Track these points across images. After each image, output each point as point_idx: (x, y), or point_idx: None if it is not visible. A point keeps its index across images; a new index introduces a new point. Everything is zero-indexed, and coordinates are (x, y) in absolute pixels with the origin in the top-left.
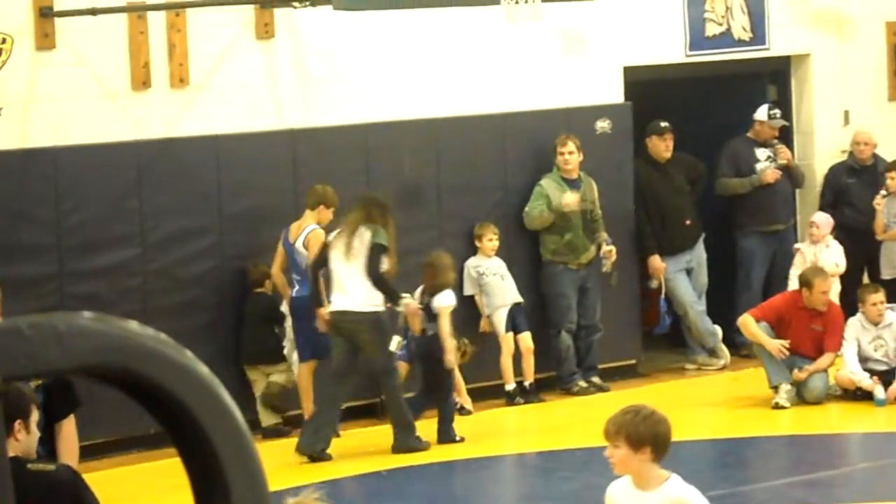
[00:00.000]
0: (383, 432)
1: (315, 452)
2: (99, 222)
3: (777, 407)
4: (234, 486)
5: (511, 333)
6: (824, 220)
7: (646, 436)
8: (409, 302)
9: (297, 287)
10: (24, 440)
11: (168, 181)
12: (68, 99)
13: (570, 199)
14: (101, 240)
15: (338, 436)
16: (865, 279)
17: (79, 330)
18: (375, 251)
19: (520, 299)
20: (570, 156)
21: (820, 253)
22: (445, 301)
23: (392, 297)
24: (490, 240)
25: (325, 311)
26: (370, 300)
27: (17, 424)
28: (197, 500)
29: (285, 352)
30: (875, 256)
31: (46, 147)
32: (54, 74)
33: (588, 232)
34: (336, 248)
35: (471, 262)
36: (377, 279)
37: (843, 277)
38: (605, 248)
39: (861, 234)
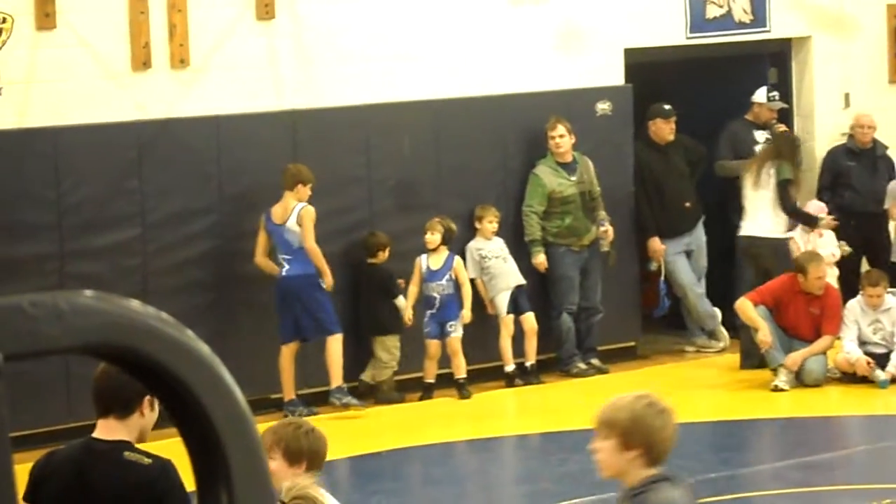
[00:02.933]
0: (380, 412)
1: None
2: (99, 202)
3: (776, 389)
4: (233, 465)
5: (512, 315)
6: (818, 209)
7: (304, 450)
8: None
9: (286, 267)
10: (148, 416)
11: (168, 161)
12: (69, 79)
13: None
14: (101, 220)
15: None
16: (864, 262)
17: (81, 308)
18: (782, 187)
19: (522, 281)
20: (562, 139)
21: (814, 242)
22: None
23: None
24: (490, 222)
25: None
26: (775, 228)
27: (147, 400)
28: (197, 479)
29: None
30: (873, 239)
31: (47, 127)
32: (55, 54)
33: (588, 213)
34: (746, 178)
35: (473, 245)
36: (791, 211)
37: (841, 260)
38: (601, 227)
39: (860, 216)
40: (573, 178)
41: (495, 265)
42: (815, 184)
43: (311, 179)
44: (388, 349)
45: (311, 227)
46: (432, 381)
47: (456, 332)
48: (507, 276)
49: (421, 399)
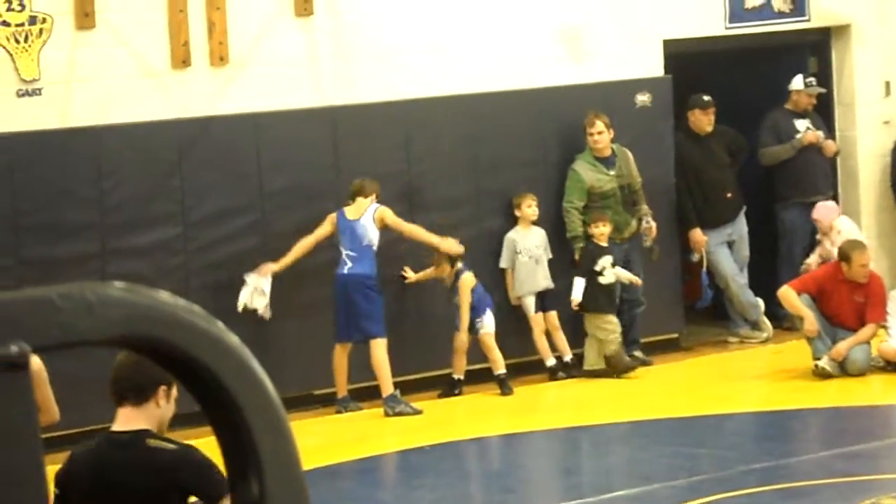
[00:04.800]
0: (424, 405)
1: None
2: (140, 201)
3: (818, 371)
4: (264, 455)
5: (541, 314)
6: (825, 212)
7: None
8: None
9: (348, 264)
10: (164, 408)
11: (209, 160)
12: (109, 78)
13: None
14: (142, 218)
15: None
16: None
17: (109, 300)
18: None
19: (551, 285)
20: (600, 136)
21: (828, 244)
22: None
23: None
24: (529, 206)
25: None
26: None
27: (162, 390)
28: (228, 468)
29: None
30: None
31: (88, 126)
32: (95, 54)
33: (628, 206)
34: None
35: (511, 235)
36: None
37: None
38: (644, 224)
39: None
40: (612, 173)
41: (527, 266)
42: (856, 173)
43: (375, 190)
44: (598, 327)
45: (397, 219)
46: (459, 376)
47: (485, 329)
48: (535, 279)
49: (441, 396)
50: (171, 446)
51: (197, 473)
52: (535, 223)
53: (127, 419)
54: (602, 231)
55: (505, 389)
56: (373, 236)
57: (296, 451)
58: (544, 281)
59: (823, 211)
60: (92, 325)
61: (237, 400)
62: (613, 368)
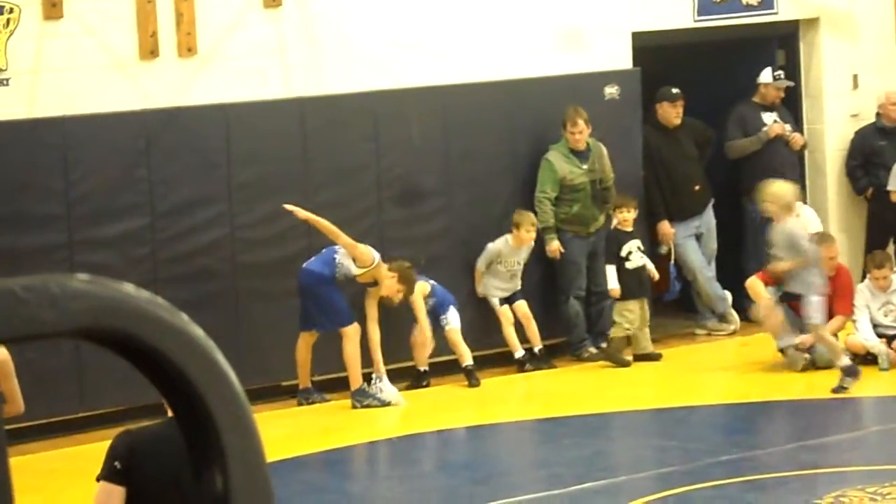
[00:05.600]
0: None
1: None
2: (108, 192)
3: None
4: (228, 448)
5: (507, 306)
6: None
7: None
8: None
9: (311, 258)
10: None
11: (176, 150)
12: (76, 69)
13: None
14: (110, 209)
15: None
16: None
17: (73, 292)
18: None
19: (517, 289)
20: (580, 134)
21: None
22: None
23: None
24: (528, 231)
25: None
26: None
27: None
28: (193, 463)
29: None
30: None
31: (55, 117)
32: (62, 44)
33: (597, 201)
34: None
35: (494, 247)
36: None
37: (869, 240)
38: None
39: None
40: (585, 167)
41: (502, 276)
42: (824, 165)
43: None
44: (618, 311)
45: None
46: (424, 368)
47: (450, 325)
48: (505, 288)
49: (409, 388)
50: None
51: None
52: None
53: None
54: (626, 217)
55: (472, 381)
56: (345, 263)
57: (260, 443)
58: (512, 288)
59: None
60: (55, 318)
61: (201, 392)
62: (607, 355)
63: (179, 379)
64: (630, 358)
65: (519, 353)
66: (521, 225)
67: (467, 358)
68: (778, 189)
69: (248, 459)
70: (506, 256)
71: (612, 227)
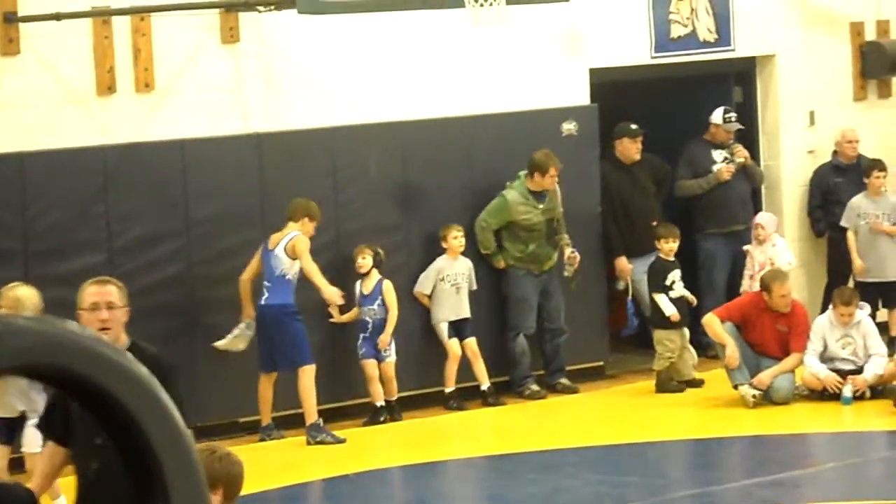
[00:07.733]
0: (349, 433)
1: None
2: (65, 227)
3: (744, 399)
4: (171, 483)
5: (456, 339)
6: (769, 220)
7: (219, 476)
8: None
9: (266, 295)
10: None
11: (134, 186)
12: (34, 104)
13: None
14: (67, 245)
15: None
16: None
17: (16, 329)
18: None
19: (467, 315)
20: (552, 179)
21: (767, 253)
22: None
23: None
24: (455, 238)
25: None
26: None
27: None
28: (137, 500)
29: None
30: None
31: (12, 152)
32: (19, 80)
33: (550, 239)
34: None
35: (436, 264)
36: None
37: (830, 277)
38: (568, 252)
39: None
40: (541, 206)
41: (447, 293)
42: (781, 201)
43: (318, 217)
44: (659, 341)
45: (305, 252)
46: (381, 403)
47: (390, 357)
48: (453, 307)
49: (366, 424)
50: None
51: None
52: (463, 253)
53: None
54: (671, 247)
55: (395, 416)
56: (286, 267)
57: (202, 480)
58: (462, 310)
59: (766, 219)
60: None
61: (144, 430)
62: (659, 385)
63: (122, 416)
64: (682, 384)
65: (449, 388)
66: (448, 234)
67: (394, 394)
68: None
69: (191, 495)
70: (447, 269)
71: (657, 256)
